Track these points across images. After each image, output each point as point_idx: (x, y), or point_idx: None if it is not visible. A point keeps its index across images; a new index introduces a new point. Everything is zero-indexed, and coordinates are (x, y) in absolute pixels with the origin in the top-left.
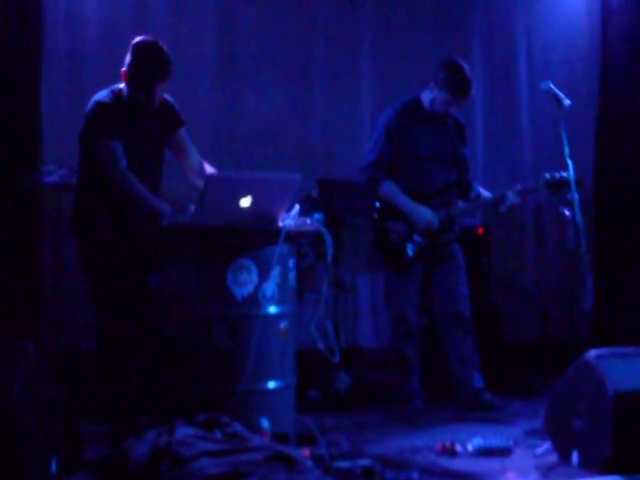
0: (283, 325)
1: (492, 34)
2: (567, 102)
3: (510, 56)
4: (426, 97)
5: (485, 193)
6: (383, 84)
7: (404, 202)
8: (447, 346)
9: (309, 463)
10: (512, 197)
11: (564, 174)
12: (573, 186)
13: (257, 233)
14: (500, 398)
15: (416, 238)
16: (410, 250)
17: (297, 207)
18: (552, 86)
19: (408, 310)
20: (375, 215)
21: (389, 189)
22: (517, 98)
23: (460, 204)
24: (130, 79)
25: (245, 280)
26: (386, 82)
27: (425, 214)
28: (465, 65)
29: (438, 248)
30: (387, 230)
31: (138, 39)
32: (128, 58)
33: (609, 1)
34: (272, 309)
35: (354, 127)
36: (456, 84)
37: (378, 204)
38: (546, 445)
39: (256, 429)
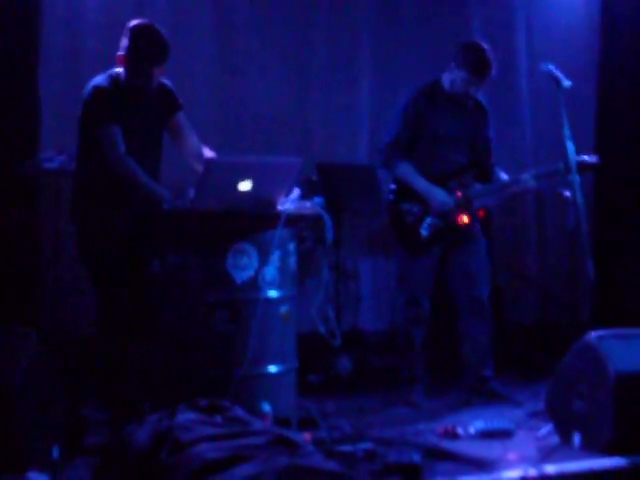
0: (284, 309)
1: (492, 17)
2: (567, 83)
3: (510, 40)
4: (446, 78)
5: (504, 176)
6: (382, 71)
7: (420, 183)
8: (463, 330)
9: (310, 447)
10: (528, 180)
11: (584, 157)
12: (573, 167)
13: (257, 217)
14: (505, 388)
15: (431, 219)
16: (425, 231)
17: (297, 191)
18: (552, 67)
19: (421, 294)
20: (390, 196)
21: (405, 170)
22: (517, 80)
23: (477, 186)
24: (127, 63)
25: (245, 264)
26: (385, 69)
27: (440, 195)
28: (487, 47)
29: (455, 230)
30: (402, 211)
31: (134, 22)
32: (125, 41)
33: None
34: (272, 293)
35: (353, 113)
36: (476, 64)
37: (393, 186)
38: (548, 427)
39: (257, 413)
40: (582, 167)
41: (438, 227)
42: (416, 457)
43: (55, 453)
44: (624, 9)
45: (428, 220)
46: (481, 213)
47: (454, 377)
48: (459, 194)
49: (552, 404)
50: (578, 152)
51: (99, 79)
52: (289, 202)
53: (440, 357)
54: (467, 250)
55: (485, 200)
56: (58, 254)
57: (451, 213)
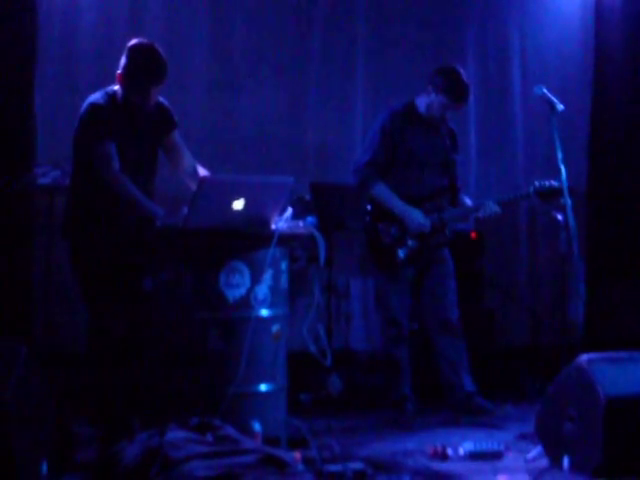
0: (275, 328)
1: (486, 40)
2: (560, 107)
3: (504, 62)
4: (422, 102)
5: (468, 201)
6: (376, 89)
7: (396, 204)
8: (437, 350)
9: (300, 466)
10: (491, 206)
11: (554, 182)
12: (566, 191)
13: (250, 236)
14: (491, 402)
15: (408, 241)
16: (402, 253)
17: (290, 210)
18: (545, 91)
19: (399, 313)
20: (367, 218)
21: (382, 191)
22: (511, 104)
23: (451, 209)
24: (125, 82)
25: (237, 283)
26: (379, 87)
27: (417, 216)
28: (463, 71)
29: (429, 251)
30: (379, 232)
31: (134, 42)
32: (123, 61)
33: (602, 7)
34: (264, 312)
35: (347, 131)
36: (454, 89)
37: (369, 206)
38: (537, 449)
39: (248, 432)
40: (549, 193)
41: (414, 249)
42: (406, 479)
43: (44, 469)
44: (618, 34)
45: (409, 242)
46: (473, 235)
47: (442, 396)
48: (434, 216)
49: (542, 426)
50: (571, 174)
51: (96, 96)
52: (282, 221)
53: (427, 376)
54: (436, 274)
55: (457, 224)
56: (51, 269)
57: (427, 235)
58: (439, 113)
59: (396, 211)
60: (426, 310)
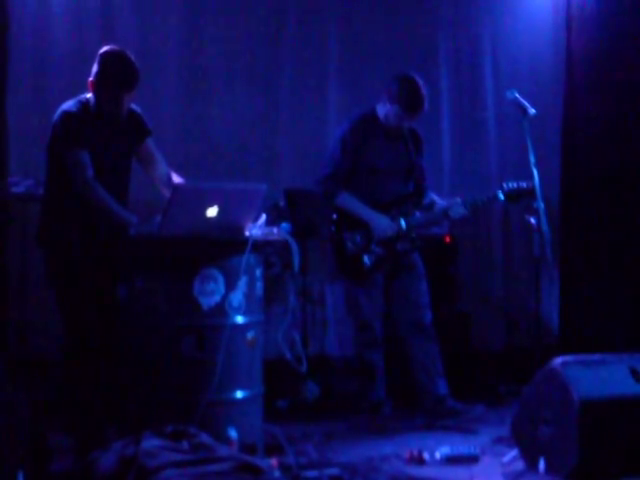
0: (250, 335)
1: (458, 45)
2: (532, 111)
3: (476, 66)
4: (381, 110)
5: (439, 201)
6: (349, 96)
7: (362, 210)
8: (410, 354)
9: (277, 473)
10: (458, 209)
11: (522, 184)
12: (539, 194)
13: (224, 243)
14: (463, 403)
15: (374, 248)
16: (367, 260)
17: (264, 217)
18: (517, 95)
19: (371, 318)
20: (332, 227)
21: (346, 199)
22: (483, 108)
23: (417, 214)
24: (97, 89)
25: (212, 290)
26: (352, 94)
27: (383, 222)
28: (419, 80)
29: (397, 257)
30: (344, 241)
31: (105, 49)
32: (95, 68)
33: (574, 12)
34: (239, 319)
35: (321, 137)
36: (408, 99)
37: (335, 215)
38: (513, 452)
39: (223, 439)
40: (517, 194)
41: (380, 256)
42: None
43: (20, 478)
44: (590, 38)
45: (375, 249)
46: (447, 239)
47: (415, 400)
48: (400, 221)
49: (517, 429)
50: (544, 179)
51: (69, 104)
52: (256, 228)
53: (402, 380)
54: (407, 277)
55: (430, 228)
56: (25, 277)
57: (393, 240)
58: (395, 123)
59: (362, 217)
60: (398, 314)
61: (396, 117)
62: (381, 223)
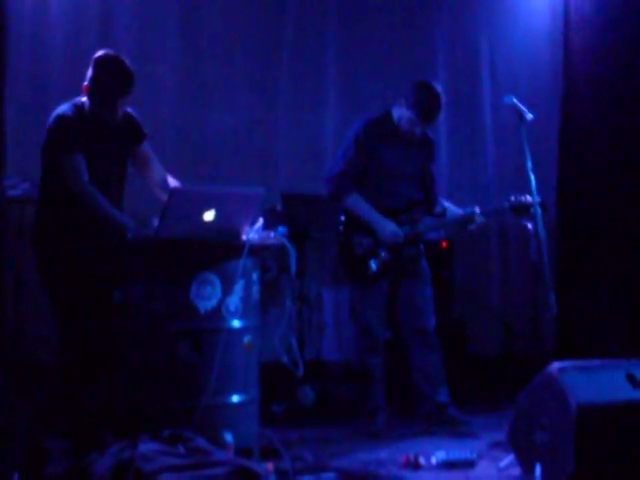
0: (247, 339)
1: (456, 50)
2: (529, 116)
3: (474, 72)
4: (396, 113)
5: (453, 209)
6: (347, 100)
7: (370, 215)
8: (412, 361)
9: (273, 478)
10: (477, 217)
11: (528, 198)
12: (535, 199)
13: (221, 247)
14: (464, 414)
15: (381, 253)
16: (374, 264)
17: (261, 221)
18: (515, 101)
19: (374, 324)
20: (340, 228)
21: (355, 201)
22: (481, 114)
23: (427, 221)
24: (92, 93)
25: (209, 294)
26: (350, 98)
27: (390, 227)
28: (438, 88)
29: (403, 263)
30: (352, 243)
31: (99, 53)
32: (90, 72)
33: (571, 18)
34: (236, 323)
35: (318, 141)
36: (424, 107)
37: (343, 217)
38: (509, 458)
39: (220, 443)
40: (522, 208)
41: (387, 261)
42: None
43: None
44: (587, 44)
45: (382, 254)
46: (444, 244)
47: (415, 406)
48: (408, 227)
49: (514, 435)
50: (541, 184)
51: (64, 108)
52: (253, 232)
53: (401, 386)
54: (412, 284)
55: (434, 233)
56: (20, 281)
57: (400, 246)
58: (407, 127)
59: (370, 221)
60: (402, 319)
61: (409, 122)
62: (387, 229)
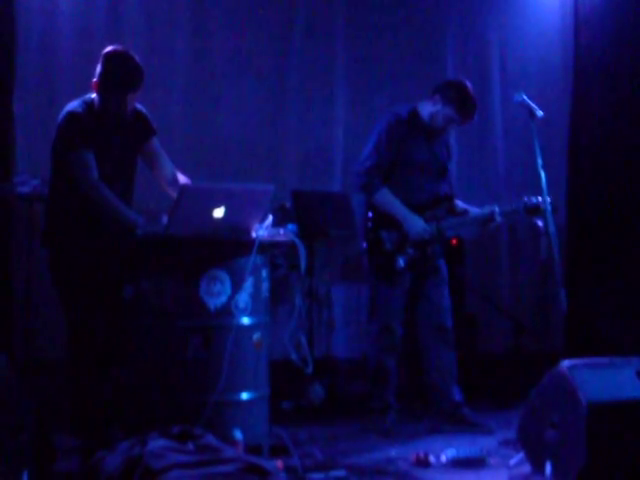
0: (256, 336)
1: (466, 47)
2: (540, 113)
3: (484, 69)
4: (425, 109)
5: (471, 208)
6: (357, 96)
7: (399, 209)
8: (428, 358)
9: (282, 475)
10: (497, 217)
11: (541, 199)
12: (545, 197)
13: (230, 244)
14: (474, 411)
15: (408, 249)
16: (402, 261)
17: (270, 218)
18: (525, 97)
19: (395, 322)
20: (368, 224)
21: (385, 196)
22: (491, 111)
23: (450, 218)
24: (101, 89)
25: (218, 291)
26: (360, 94)
27: (420, 224)
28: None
29: (426, 261)
30: (381, 239)
31: (108, 49)
32: (99, 68)
33: (582, 15)
34: (245, 320)
35: (328, 138)
36: (465, 104)
37: (370, 213)
38: (520, 456)
39: (229, 440)
40: (535, 209)
41: (414, 257)
42: None
43: (24, 479)
44: (598, 41)
45: (409, 251)
46: (454, 242)
47: (426, 403)
48: (433, 224)
49: (524, 433)
50: (551, 181)
51: (74, 104)
52: (262, 229)
53: (412, 383)
54: (432, 281)
55: (456, 232)
56: (31, 278)
57: (426, 243)
58: (442, 124)
59: (398, 217)
60: (421, 316)
61: (445, 118)
62: (417, 225)
